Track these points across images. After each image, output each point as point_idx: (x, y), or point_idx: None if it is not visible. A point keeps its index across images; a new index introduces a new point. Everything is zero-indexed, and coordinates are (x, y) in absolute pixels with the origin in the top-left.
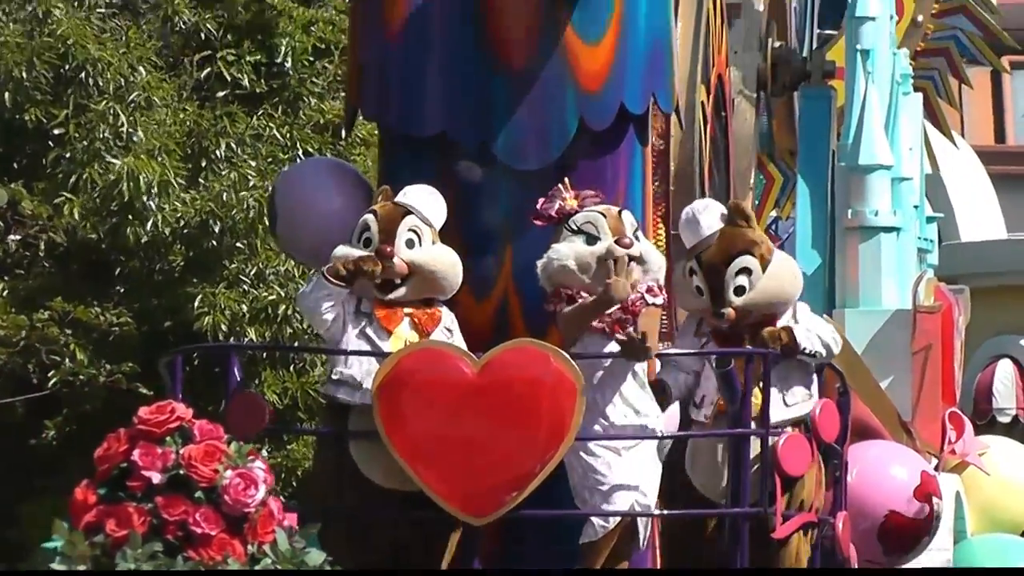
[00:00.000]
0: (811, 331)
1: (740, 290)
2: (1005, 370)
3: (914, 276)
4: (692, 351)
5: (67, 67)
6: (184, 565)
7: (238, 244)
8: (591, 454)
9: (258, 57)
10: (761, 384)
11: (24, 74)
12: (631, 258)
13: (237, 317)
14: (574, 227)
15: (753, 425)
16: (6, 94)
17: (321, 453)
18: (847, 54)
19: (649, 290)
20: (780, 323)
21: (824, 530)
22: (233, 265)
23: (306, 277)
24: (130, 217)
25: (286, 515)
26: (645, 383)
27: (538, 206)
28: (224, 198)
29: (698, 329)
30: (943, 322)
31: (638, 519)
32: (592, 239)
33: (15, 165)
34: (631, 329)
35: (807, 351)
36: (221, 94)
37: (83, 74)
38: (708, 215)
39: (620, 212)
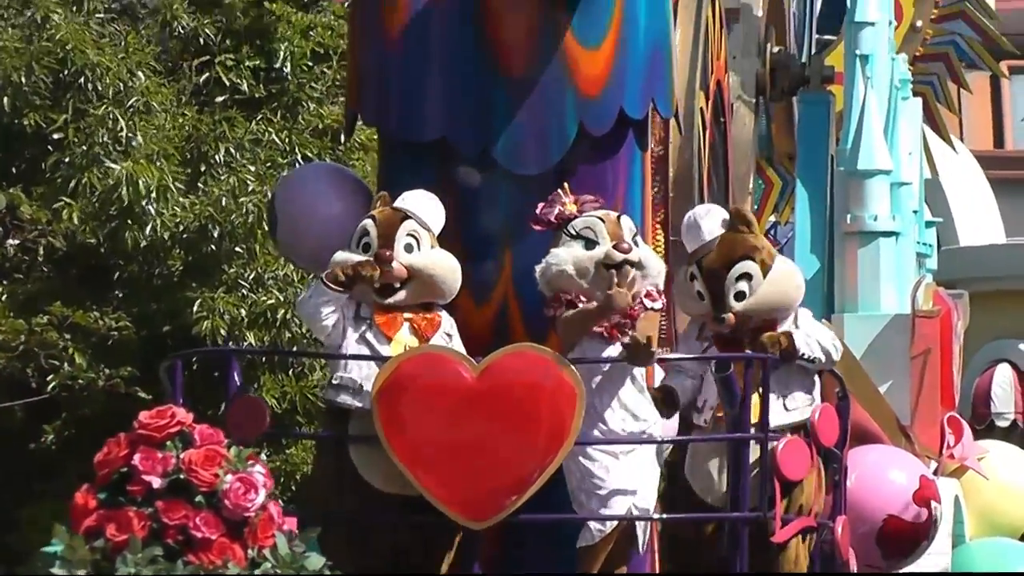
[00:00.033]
0: (811, 337)
1: (740, 295)
2: (1004, 374)
3: (913, 281)
4: (692, 355)
5: (66, 72)
6: (184, 569)
7: (237, 248)
8: (589, 458)
9: (257, 62)
10: (760, 389)
11: (23, 79)
12: (630, 263)
13: (236, 321)
14: (573, 232)
15: (753, 430)
16: (5, 99)
17: (321, 457)
18: (846, 59)
19: (648, 295)
20: (781, 329)
21: (823, 534)
22: (232, 269)
23: (305, 281)
24: (129, 222)
25: (286, 519)
26: (644, 388)
27: (537, 211)
28: (223, 203)
29: (700, 334)
30: (942, 327)
31: (636, 523)
32: (591, 244)
33: (14, 170)
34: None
35: (806, 356)
36: (220, 99)
37: (82, 79)
38: (710, 220)
39: (619, 217)
